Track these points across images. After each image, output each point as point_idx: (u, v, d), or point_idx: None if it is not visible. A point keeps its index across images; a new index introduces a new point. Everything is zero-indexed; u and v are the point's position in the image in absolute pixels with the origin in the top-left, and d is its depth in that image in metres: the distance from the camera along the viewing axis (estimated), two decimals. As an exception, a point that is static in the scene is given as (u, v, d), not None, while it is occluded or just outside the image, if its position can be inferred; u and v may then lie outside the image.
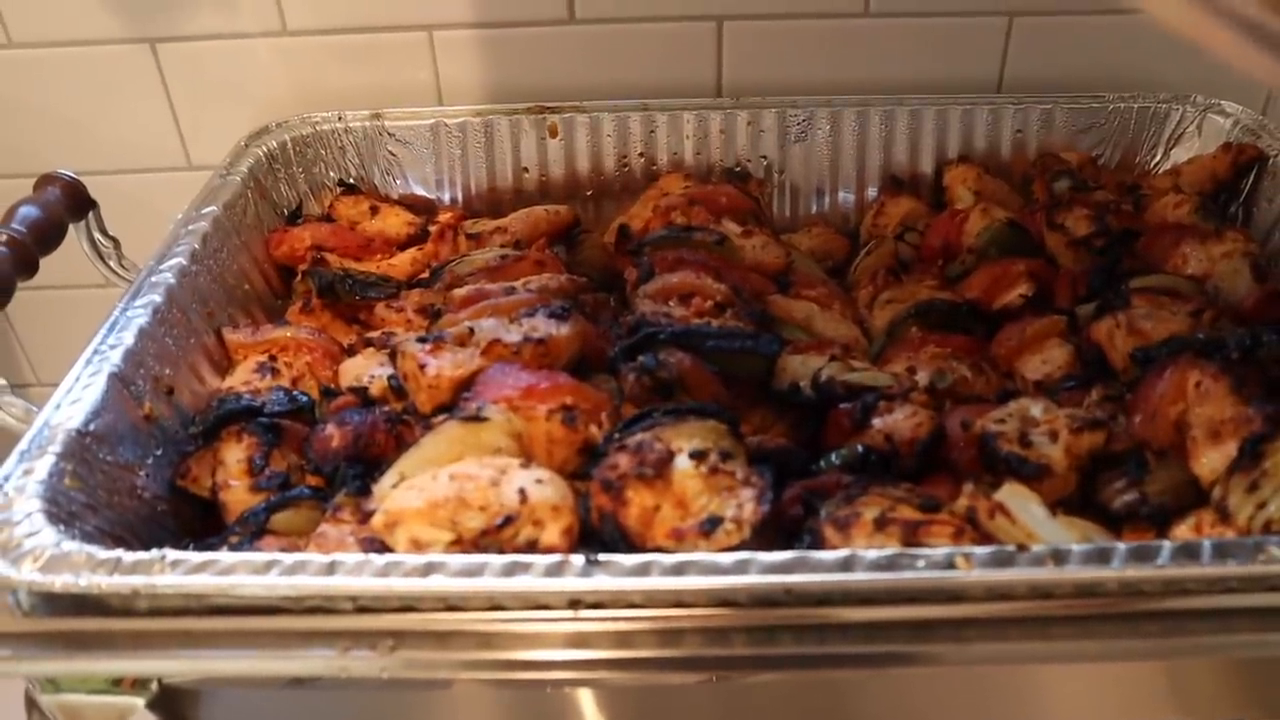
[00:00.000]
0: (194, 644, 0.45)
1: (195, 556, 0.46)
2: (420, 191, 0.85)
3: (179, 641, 0.46)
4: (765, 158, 0.84)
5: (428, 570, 0.45)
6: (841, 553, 0.45)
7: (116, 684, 0.48)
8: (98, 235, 0.69)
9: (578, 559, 0.45)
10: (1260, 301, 0.65)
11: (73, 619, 0.46)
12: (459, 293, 0.68)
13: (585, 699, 0.50)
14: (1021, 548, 0.45)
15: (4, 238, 0.61)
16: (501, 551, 0.47)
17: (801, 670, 0.46)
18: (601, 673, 0.46)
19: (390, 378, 0.62)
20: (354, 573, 0.45)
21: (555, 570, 0.45)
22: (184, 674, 0.47)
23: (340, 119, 0.83)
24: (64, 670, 0.47)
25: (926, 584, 0.45)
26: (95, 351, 0.58)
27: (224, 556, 0.46)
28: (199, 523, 0.59)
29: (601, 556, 0.45)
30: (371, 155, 0.84)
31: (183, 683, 0.49)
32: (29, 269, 0.62)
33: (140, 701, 0.48)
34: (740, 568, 0.45)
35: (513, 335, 0.60)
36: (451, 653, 0.45)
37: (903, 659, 0.46)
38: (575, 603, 0.45)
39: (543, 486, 0.49)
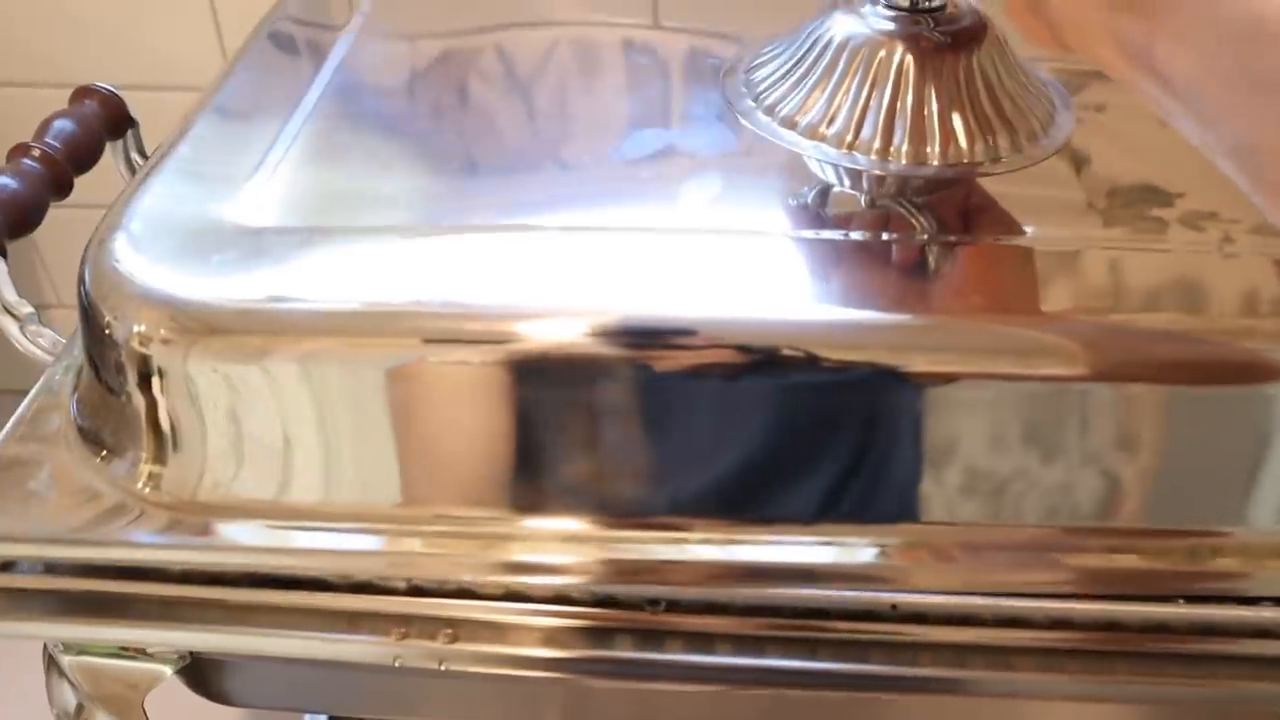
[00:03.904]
0: (230, 617, 0.42)
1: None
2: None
3: (214, 613, 0.42)
4: None
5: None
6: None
7: (143, 650, 0.44)
8: (136, 156, 0.65)
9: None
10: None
11: (100, 581, 0.42)
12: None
13: (645, 704, 0.47)
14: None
15: (37, 153, 0.57)
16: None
17: (899, 692, 0.43)
18: (673, 683, 0.43)
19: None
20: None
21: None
22: (217, 648, 0.43)
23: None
24: (88, 637, 0.43)
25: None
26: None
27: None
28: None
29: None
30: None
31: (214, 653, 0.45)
32: (63, 189, 0.58)
33: (167, 669, 0.45)
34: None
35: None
36: (514, 647, 0.41)
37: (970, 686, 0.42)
38: (654, 602, 0.41)
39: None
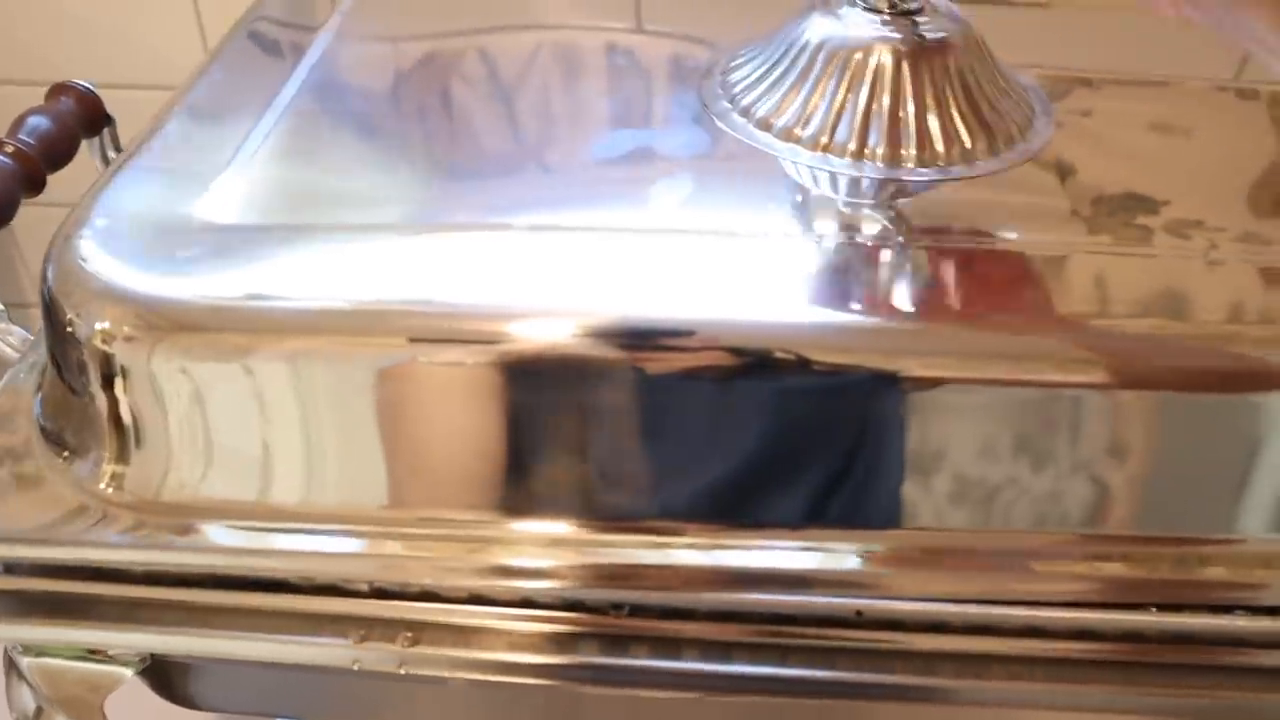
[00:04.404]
0: (191, 619, 0.41)
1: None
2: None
3: (175, 615, 0.41)
4: None
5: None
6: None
7: (103, 652, 0.44)
8: (113, 154, 0.64)
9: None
10: None
11: (60, 581, 0.42)
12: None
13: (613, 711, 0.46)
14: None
15: (10, 149, 0.56)
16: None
17: (882, 700, 0.42)
18: (640, 690, 0.42)
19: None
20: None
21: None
22: (175, 650, 0.43)
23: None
24: (47, 638, 0.43)
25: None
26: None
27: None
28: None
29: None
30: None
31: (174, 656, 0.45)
32: (36, 186, 0.57)
33: (128, 672, 0.44)
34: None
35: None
36: (475, 651, 0.41)
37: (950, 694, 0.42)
38: (618, 606, 0.40)
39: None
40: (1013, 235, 0.43)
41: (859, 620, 0.40)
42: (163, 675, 0.46)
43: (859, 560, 0.40)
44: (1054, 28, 0.61)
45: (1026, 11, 0.63)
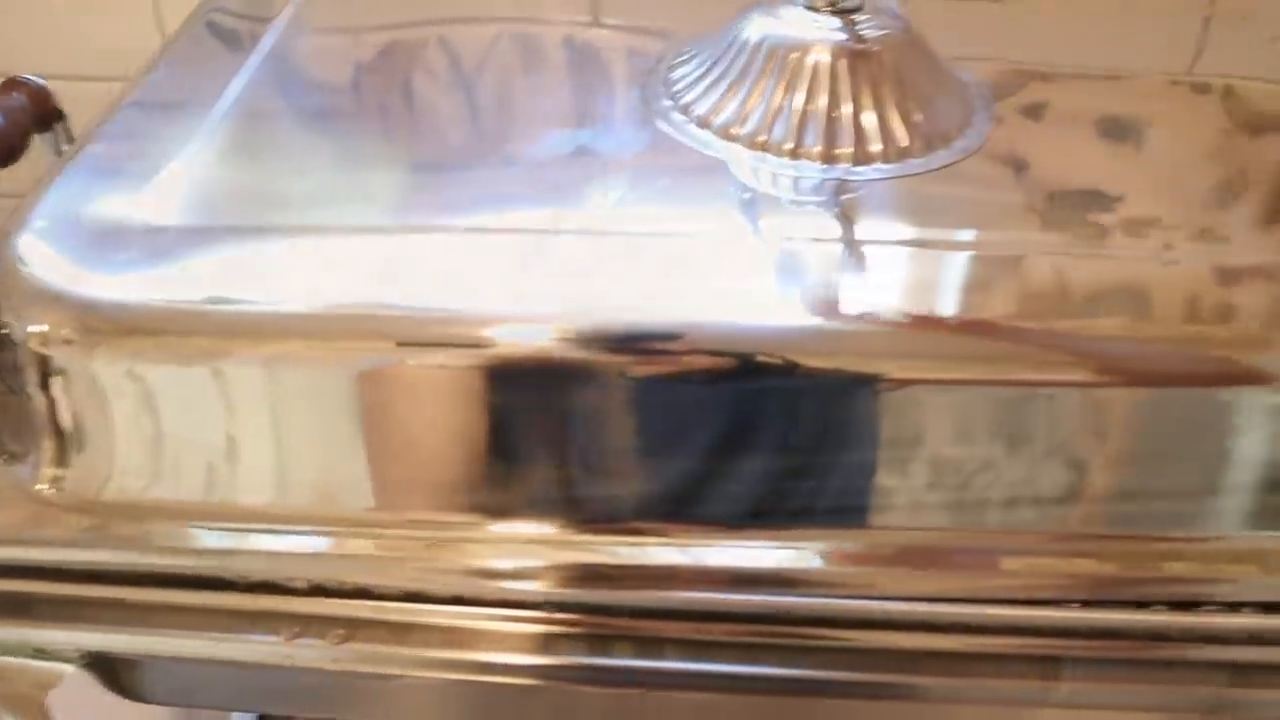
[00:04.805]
0: (129, 618, 0.42)
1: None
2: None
3: (114, 613, 0.42)
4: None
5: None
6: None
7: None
8: (65, 149, 0.64)
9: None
10: None
11: (1, 580, 0.42)
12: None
13: (551, 708, 0.47)
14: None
15: (-41, 145, 0.56)
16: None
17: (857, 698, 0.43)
18: (574, 685, 0.42)
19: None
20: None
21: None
22: (110, 648, 0.43)
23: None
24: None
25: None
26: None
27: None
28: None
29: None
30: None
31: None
32: (-16, 182, 0.57)
33: (69, 668, 0.44)
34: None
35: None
36: (410, 648, 0.41)
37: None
38: (551, 603, 0.41)
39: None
40: (947, 232, 0.43)
41: (842, 619, 0.40)
42: (109, 669, 0.47)
43: (830, 560, 0.40)
44: (1008, 22, 0.61)
45: (981, 6, 0.63)
